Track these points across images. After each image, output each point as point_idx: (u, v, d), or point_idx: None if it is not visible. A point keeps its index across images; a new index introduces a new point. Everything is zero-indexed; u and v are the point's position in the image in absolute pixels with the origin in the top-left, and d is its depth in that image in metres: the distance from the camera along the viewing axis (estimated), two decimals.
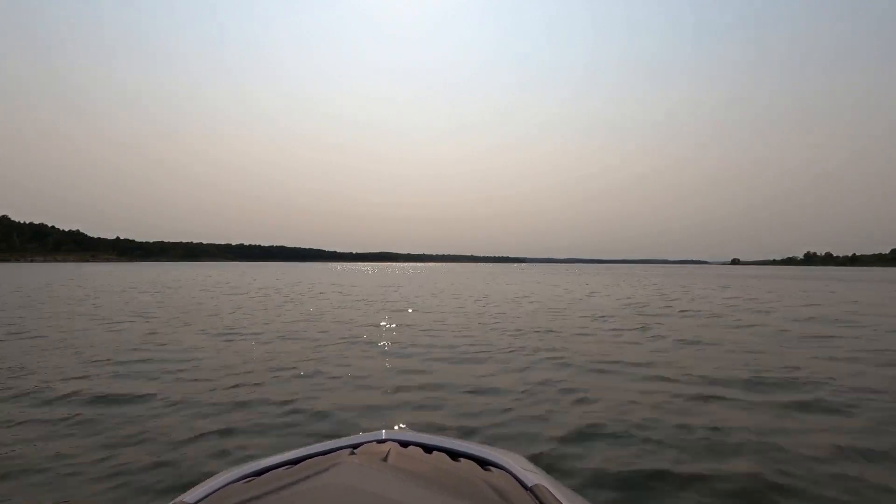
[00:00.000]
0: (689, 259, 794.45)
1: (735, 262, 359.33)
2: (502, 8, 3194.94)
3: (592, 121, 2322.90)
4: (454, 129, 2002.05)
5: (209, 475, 1.09)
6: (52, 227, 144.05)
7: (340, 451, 1.14)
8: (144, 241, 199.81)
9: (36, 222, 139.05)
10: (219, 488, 0.98)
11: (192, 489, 0.98)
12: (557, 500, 0.92)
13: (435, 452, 1.19)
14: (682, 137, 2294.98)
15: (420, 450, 1.17)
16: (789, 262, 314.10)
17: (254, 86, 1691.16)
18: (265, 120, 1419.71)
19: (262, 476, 1.02)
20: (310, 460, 1.08)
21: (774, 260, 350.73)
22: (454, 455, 1.19)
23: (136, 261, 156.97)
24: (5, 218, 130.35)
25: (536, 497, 0.94)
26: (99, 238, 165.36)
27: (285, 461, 1.11)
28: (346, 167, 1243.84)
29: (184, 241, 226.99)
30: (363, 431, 1.34)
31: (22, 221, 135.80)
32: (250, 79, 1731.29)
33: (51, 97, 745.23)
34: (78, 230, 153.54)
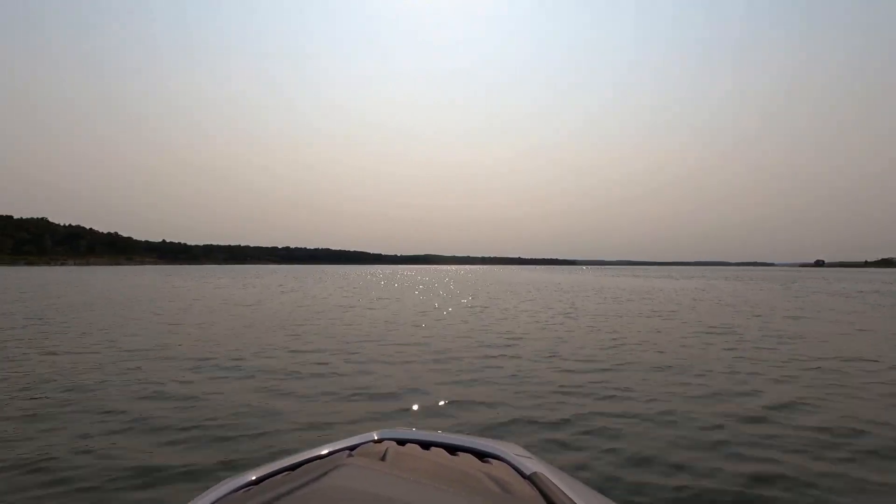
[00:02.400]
0: (753, 261, 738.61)
1: (819, 263, 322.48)
2: (544, 7, 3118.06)
3: (636, 117, 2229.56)
4: (496, 130, 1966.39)
5: (208, 486, 1.06)
6: (90, 229, 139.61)
7: (338, 453, 1.12)
8: (194, 244, 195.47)
9: (74, 224, 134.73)
10: (218, 499, 0.96)
11: (191, 502, 0.96)
12: (556, 485, 0.94)
13: (432, 448, 1.18)
14: (732, 130, 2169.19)
15: (417, 447, 1.17)
16: (885, 263, 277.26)
17: (295, 94, 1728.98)
18: (306, 127, 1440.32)
19: (262, 483, 1.00)
20: (308, 465, 1.06)
21: (866, 262, 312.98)
22: (451, 450, 1.19)
23: (179, 263, 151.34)
24: (43, 220, 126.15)
25: (535, 484, 0.95)
26: (136, 240, 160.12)
27: (284, 467, 1.09)
28: (386, 172, 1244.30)
29: (232, 244, 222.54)
30: (359, 433, 1.32)
31: (61, 223, 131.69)
32: (291, 88, 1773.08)
33: (103, 110, 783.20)
34: (116, 232, 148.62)
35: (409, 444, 1.18)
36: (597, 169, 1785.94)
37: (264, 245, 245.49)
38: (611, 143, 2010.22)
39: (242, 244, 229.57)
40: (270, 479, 1.03)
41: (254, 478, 1.04)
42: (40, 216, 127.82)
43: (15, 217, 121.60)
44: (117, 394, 5.20)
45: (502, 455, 1.13)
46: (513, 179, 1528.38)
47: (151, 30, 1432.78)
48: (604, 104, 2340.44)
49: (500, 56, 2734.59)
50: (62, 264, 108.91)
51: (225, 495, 0.97)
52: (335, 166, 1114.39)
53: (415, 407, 4.83)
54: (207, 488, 1.03)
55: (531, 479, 0.98)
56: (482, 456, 1.15)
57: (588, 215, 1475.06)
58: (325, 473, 0.86)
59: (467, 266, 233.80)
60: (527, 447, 1.32)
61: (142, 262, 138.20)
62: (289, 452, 1.20)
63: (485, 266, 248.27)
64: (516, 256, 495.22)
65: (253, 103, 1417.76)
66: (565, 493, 0.91)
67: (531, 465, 1.07)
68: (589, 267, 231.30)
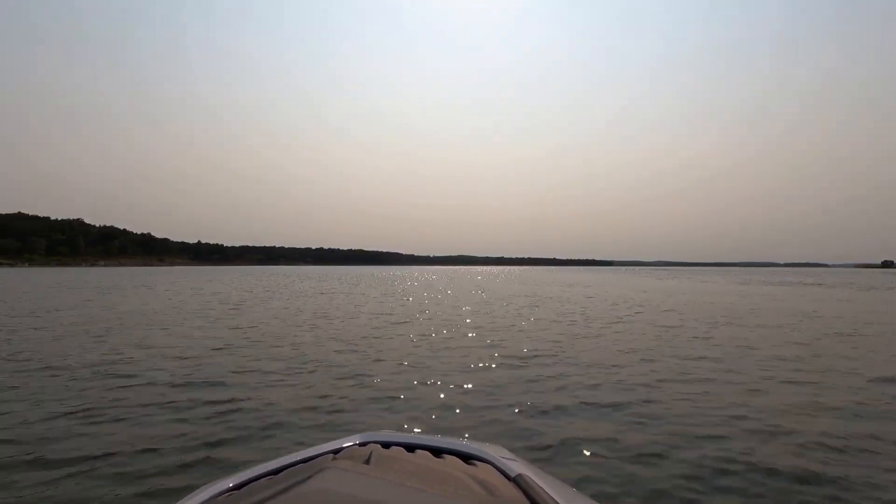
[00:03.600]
0: (804, 262, 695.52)
1: (887, 264, 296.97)
2: (574, 3, 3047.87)
3: (669, 111, 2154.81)
4: (527, 129, 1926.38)
5: (189, 491, 1.03)
6: (124, 230, 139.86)
7: (322, 457, 1.11)
8: (229, 245, 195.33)
9: (108, 225, 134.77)
10: None
11: None
12: (540, 486, 0.94)
13: (417, 451, 1.18)
14: (772, 124, 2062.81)
15: (402, 450, 1.17)
16: None
17: (324, 100, 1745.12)
18: (336, 131, 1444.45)
19: (244, 489, 0.98)
20: (291, 469, 1.05)
21: None
22: (436, 452, 1.19)
23: (213, 264, 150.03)
24: (78, 221, 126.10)
25: (519, 486, 0.96)
26: (171, 241, 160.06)
27: (266, 472, 1.07)
28: (412, 173, 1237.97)
29: (266, 245, 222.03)
30: (343, 435, 1.33)
31: (96, 224, 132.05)
32: (321, 93, 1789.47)
33: (138, 116, 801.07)
34: (149, 233, 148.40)
35: (393, 447, 1.16)
36: (630, 167, 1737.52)
37: (298, 246, 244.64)
38: (645, 139, 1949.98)
39: (276, 245, 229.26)
40: (253, 483, 1.00)
41: (235, 483, 1.01)
42: (76, 217, 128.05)
43: (52, 218, 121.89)
44: None
45: (487, 457, 1.13)
46: (543, 179, 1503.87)
47: (183, 37, 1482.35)
48: (637, 101, 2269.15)
49: (529, 56, 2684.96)
50: (93, 265, 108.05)
51: (204, 502, 0.94)
52: (363, 168, 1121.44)
53: None
54: (184, 495, 0.99)
55: (516, 480, 0.98)
56: (467, 458, 1.14)
57: (622, 215, 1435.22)
58: (309, 477, 0.84)
59: (508, 267, 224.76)
60: (512, 449, 1.31)
61: (172, 263, 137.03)
62: (271, 456, 1.16)
63: (522, 267, 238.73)
64: (551, 257, 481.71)
65: (282, 107, 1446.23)
66: (550, 495, 0.91)
67: (516, 466, 1.06)
68: (645, 268, 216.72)
